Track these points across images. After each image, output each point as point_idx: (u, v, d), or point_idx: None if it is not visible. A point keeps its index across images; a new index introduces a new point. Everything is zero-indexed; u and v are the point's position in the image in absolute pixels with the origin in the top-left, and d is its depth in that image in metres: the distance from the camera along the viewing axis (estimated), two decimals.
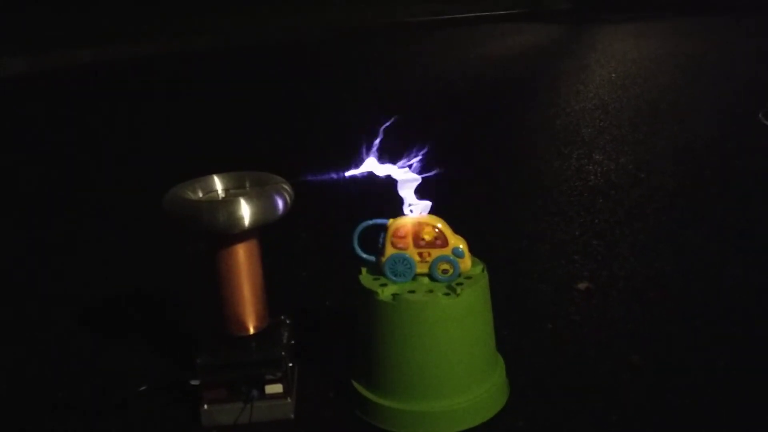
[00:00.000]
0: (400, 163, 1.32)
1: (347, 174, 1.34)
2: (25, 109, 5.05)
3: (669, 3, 10.72)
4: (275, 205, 1.29)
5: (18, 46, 6.93)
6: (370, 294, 1.31)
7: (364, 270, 1.38)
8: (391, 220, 1.33)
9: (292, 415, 1.36)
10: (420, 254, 1.32)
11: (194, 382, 1.32)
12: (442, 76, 5.40)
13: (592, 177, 2.77)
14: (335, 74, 6.00)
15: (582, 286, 1.85)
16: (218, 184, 1.39)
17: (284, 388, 1.34)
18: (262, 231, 1.35)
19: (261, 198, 1.28)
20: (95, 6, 10.31)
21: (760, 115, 3.54)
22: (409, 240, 1.31)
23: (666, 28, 7.93)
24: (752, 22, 8.08)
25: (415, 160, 1.32)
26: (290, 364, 1.37)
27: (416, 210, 1.33)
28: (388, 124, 1.34)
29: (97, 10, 10.11)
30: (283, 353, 1.34)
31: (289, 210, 1.33)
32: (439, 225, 1.32)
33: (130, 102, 5.13)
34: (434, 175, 1.34)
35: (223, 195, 1.38)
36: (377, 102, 4.51)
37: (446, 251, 1.31)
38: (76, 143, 3.92)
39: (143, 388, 1.47)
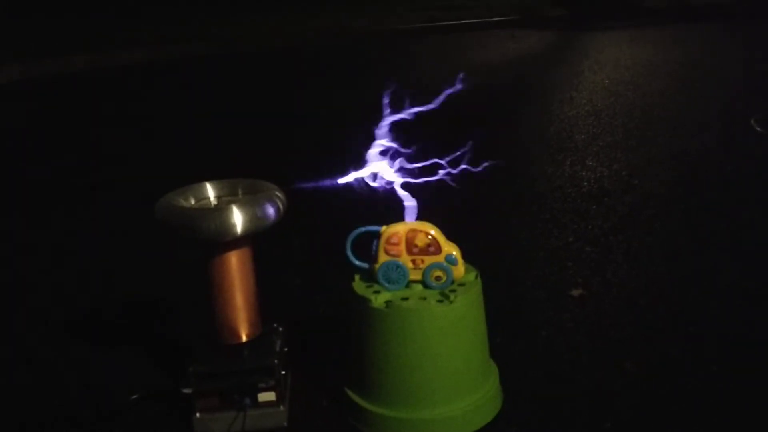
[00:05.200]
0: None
1: (340, 181, 1.34)
2: (18, 116, 5.04)
3: (662, 10, 10.77)
4: (268, 213, 1.29)
5: (11, 53, 6.91)
6: (364, 301, 1.30)
7: (357, 277, 1.38)
8: (384, 227, 1.33)
9: (285, 423, 1.35)
10: (413, 261, 1.32)
11: (186, 391, 1.31)
12: (436, 83, 5.41)
13: (585, 183, 2.77)
14: (328, 81, 6.00)
15: (575, 292, 1.85)
16: (210, 191, 1.39)
17: (277, 396, 1.34)
18: (255, 238, 1.35)
19: (253, 205, 1.28)
20: (87, 13, 10.30)
21: (752, 122, 3.55)
22: (402, 247, 1.31)
23: (659, 35, 7.96)
24: (744, 29, 8.12)
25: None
26: (283, 372, 1.37)
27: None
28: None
29: (89, 17, 10.10)
30: (276, 361, 1.33)
31: (282, 217, 1.33)
32: (433, 232, 1.32)
33: (123, 109, 5.12)
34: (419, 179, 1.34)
35: (216, 202, 1.38)
36: (370, 109, 4.51)
37: (439, 258, 1.31)
38: (69, 150, 3.91)
39: (135, 396, 1.46)
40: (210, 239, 1.27)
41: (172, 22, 9.69)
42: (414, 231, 1.31)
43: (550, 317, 1.73)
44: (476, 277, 1.36)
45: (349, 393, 1.37)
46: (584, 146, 3.35)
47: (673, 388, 1.41)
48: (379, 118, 1.41)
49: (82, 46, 7.47)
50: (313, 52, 7.85)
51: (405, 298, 1.30)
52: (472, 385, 1.34)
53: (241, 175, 1.44)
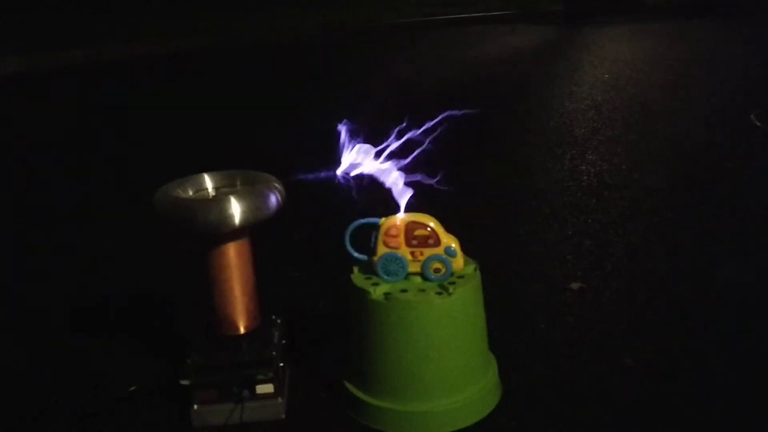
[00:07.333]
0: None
1: (338, 172, 1.33)
2: (17, 109, 5.03)
3: (661, 5, 10.77)
4: (266, 204, 1.28)
5: (11, 46, 6.89)
6: (362, 293, 1.30)
7: (356, 269, 1.37)
8: (383, 219, 1.32)
9: (284, 416, 1.35)
10: (412, 253, 1.31)
11: (184, 382, 1.31)
12: (435, 77, 5.40)
13: (585, 177, 2.77)
14: (328, 74, 5.99)
15: (575, 286, 1.84)
16: (209, 182, 1.38)
17: (275, 388, 1.33)
18: (254, 230, 1.34)
19: (252, 196, 1.27)
20: (86, 7, 10.27)
21: (752, 116, 3.55)
22: (402, 239, 1.31)
23: (659, 30, 7.95)
24: (744, 24, 8.12)
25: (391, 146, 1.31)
26: (281, 364, 1.36)
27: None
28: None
29: (88, 11, 10.07)
30: (274, 353, 1.33)
31: (281, 209, 1.32)
32: (432, 224, 1.31)
33: (122, 101, 5.11)
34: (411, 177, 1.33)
35: (214, 193, 1.37)
36: (370, 102, 4.51)
37: (439, 250, 1.31)
38: (68, 143, 3.90)
39: (133, 388, 1.46)
40: (208, 231, 1.26)
41: (170, 16, 9.67)
42: (413, 223, 1.31)
43: (549, 311, 1.73)
44: (475, 269, 1.36)
45: (348, 385, 1.37)
46: (584, 140, 3.34)
47: (672, 382, 1.41)
48: (379, 113, 1.41)
49: (81, 39, 7.44)
50: (313, 46, 7.83)
51: (404, 291, 1.29)
52: (470, 377, 1.33)
53: (239, 166, 1.43)
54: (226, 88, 5.50)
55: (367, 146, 1.33)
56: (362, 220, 1.34)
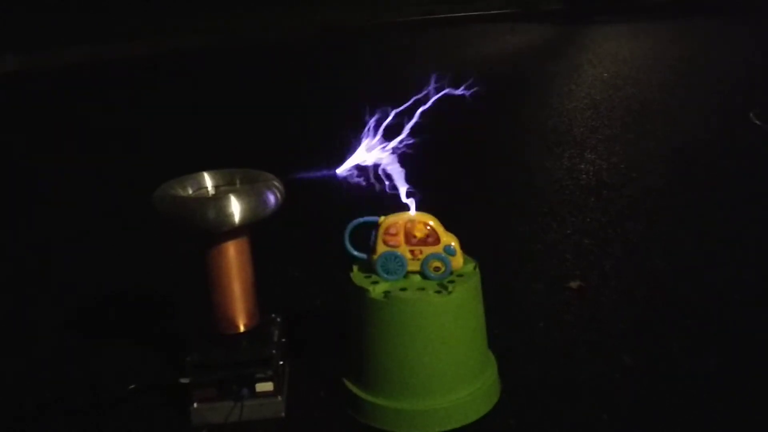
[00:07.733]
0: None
1: (338, 171, 1.33)
2: (14, 107, 5.02)
3: (661, 5, 10.77)
4: (266, 203, 1.28)
5: (8, 44, 6.89)
6: (362, 292, 1.30)
7: (355, 268, 1.37)
8: (382, 218, 1.33)
9: (283, 414, 1.35)
10: (412, 252, 1.31)
11: (184, 381, 1.31)
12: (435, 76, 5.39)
13: (583, 176, 2.77)
14: (327, 73, 5.99)
15: (574, 285, 1.84)
16: (208, 181, 1.38)
17: (275, 386, 1.33)
18: (253, 229, 1.34)
19: (251, 195, 1.27)
20: (87, 6, 10.27)
21: (751, 115, 3.55)
22: (401, 238, 1.31)
23: (658, 30, 7.96)
24: (744, 24, 8.12)
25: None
26: (281, 363, 1.36)
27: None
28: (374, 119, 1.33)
29: (89, 11, 10.07)
30: (273, 351, 1.33)
31: (280, 207, 1.32)
32: (431, 222, 1.31)
33: (121, 100, 5.11)
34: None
35: (213, 192, 1.38)
36: (368, 101, 4.51)
37: (438, 249, 1.31)
38: (65, 142, 3.90)
39: (132, 386, 1.46)
40: (208, 229, 1.26)
41: (170, 16, 9.66)
42: (413, 222, 1.31)
43: (548, 309, 1.73)
44: (475, 267, 1.36)
45: (347, 383, 1.37)
46: (583, 139, 3.34)
47: (671, 381, 1.41)
48: (378, 111, 1.41)
49: (81, 39, 7.44)
50: (311, 44, 7.83)
51: (403, 289, 1.29)
52: (470, 376, 1.33)
53: (239, 164, 1.43)
54: (226, 87, 5.49)
55: (366, 145, 1.34)
56: (362, 219, 1.35)
